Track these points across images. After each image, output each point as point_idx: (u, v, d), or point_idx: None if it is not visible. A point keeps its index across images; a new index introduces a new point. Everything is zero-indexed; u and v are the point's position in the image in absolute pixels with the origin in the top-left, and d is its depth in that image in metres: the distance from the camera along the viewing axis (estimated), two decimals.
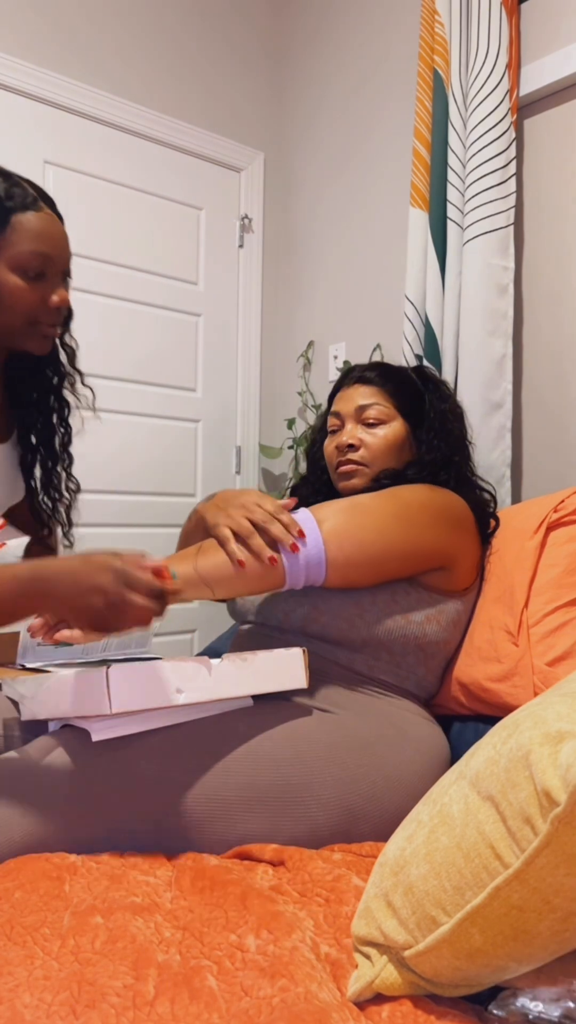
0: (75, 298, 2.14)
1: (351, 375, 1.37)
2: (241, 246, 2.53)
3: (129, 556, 0.87)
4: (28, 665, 1.14)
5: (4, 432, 1.25)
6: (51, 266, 1.08)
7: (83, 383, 1.27)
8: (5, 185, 1.05)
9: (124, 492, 2.27)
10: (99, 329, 2.19)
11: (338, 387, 1.39)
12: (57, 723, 1.06)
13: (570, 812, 0.57)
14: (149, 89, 2.31)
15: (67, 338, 1.24)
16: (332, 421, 1.35)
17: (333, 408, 1.36)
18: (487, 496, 1.33)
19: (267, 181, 2.58)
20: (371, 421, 1.29)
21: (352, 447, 1.29)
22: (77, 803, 0.93)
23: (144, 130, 2.29)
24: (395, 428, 1.30)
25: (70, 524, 1.30)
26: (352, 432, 1.30)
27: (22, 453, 1.28)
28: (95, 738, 0.97)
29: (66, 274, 1.13)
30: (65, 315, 1.20)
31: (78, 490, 1.31)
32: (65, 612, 0.87)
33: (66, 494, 1.29)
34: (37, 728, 1.11)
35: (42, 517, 1.30)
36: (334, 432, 1.35)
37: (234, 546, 1.05)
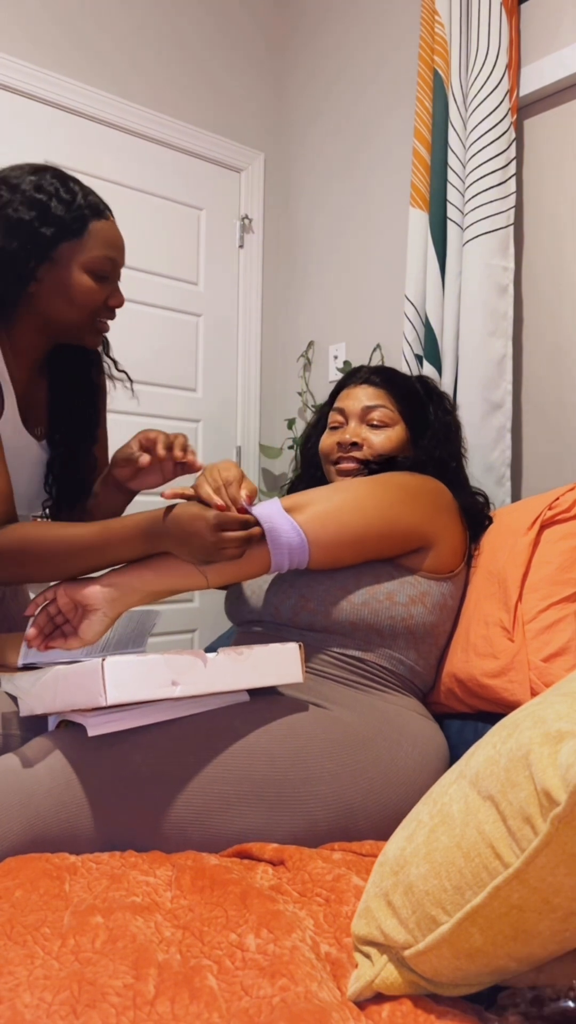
0: None
1: (358, 375, 1.38)
2: (241, 246, 2.53)
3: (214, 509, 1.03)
4: (30, 664, 1.14)
5: (42, 431, 1.29)
6: (115, 269, 1.21)
7: (118, 369, 1.37)
8: (82, 193, 1.17)
9: None
10: None
11: (343, 385, 1.40)
12: (55, 719, 1.06)
13: (570, 812, 0.57)
14: (149, 89, 2.31)
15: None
16: (335, 418, 1.36)
17: (337, 404, 1.37)
18: (479, 499, 1.36)
19: (267, 181, 2.58)
20: (376, 423, 1.31)
21: (356, 445, 1.30)
22: (75, 801, 0.93)
23: (144, 130, 2.29)
24: (397, 432, 1.32)
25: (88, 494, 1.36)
26: (356, 430, 1.31)
27: (51, 455, 1.31)
28: (91, 733, 0.97)
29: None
30: None
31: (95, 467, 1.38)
32: (176, 548, 1.04)
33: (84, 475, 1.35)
34: (36, 724, 1.11)
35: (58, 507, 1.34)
36: (335, 428, 1.36)
37: (212, 493, 1.05)
